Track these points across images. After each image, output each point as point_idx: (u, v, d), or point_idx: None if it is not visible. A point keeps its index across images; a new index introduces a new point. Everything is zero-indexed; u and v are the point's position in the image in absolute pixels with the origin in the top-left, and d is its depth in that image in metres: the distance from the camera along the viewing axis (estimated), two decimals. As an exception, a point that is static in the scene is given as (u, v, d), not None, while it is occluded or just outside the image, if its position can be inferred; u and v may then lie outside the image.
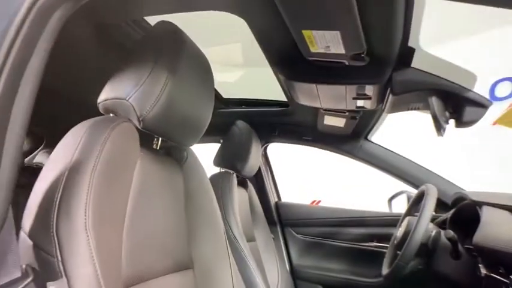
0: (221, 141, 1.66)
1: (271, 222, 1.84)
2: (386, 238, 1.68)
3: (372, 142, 1.71)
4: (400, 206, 1.85)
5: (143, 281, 0.67)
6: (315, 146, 1.82)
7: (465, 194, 1.32)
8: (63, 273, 0.47)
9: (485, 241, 0.97)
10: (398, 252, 1.27)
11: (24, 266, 0.49)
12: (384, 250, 1.63)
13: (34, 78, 0.55)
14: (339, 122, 1.51)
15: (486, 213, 1.10)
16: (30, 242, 0.51)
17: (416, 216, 1.30)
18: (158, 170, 0.79)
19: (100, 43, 0.96)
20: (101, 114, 0.73)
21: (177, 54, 0.74)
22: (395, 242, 1.36)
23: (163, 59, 0.71)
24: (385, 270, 1.34)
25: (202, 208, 0.91)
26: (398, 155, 1.67)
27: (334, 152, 1.78)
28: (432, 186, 1.29)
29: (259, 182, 1.90)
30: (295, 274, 1.79)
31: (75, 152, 0.55)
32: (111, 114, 0.73)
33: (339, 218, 1.82)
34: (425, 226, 1.16)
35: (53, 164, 0.57)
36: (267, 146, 1.95)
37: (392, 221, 1.69)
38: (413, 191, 1.71)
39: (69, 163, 0.54)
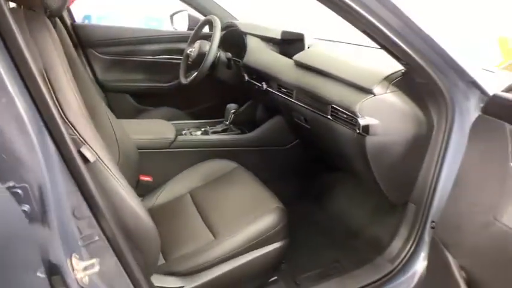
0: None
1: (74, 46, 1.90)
2: (175, 52, 2.17)
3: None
4: (181, 23, 2.30)
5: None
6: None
7: (235, 23, 1.90)
8: (84, 141, 0.73)
9: (249, 63, 1.66)
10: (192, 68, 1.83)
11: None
12: (174, 61, 2.15)
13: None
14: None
15: (249, 41, 1.76)
16: None
17: (203, 40, 1.83)
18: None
19: None
20: None
21: None
22: (190, 59, 1.88)
23: None
24: (183, 80, 1.90)
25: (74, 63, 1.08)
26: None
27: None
28: (217, 19, 1.78)
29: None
30: (104, 88, 2.09)
31: (39, 55, 0.69)
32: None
33: (137, 37, 2.10)
34: (215, 52, 1.72)
35: None
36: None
37: (180, 38, 2.16)
38: (194, 13, 2.16)
39: (41, 63, 0.69)
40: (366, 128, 1.00)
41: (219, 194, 1.32)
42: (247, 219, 1.14)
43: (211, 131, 1.67)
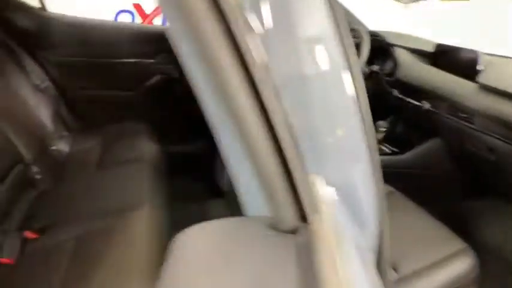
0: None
1: None
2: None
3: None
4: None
5: None
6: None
7: (379, 33, 1.79)
8: None
9: (405, 78, 1.55)
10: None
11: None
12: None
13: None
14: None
15: (399, 54, 1.64)
16: None
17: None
18: None
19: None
20: None
21: None
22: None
23: None
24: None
25: None
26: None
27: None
28: (366, 31, 1.68)
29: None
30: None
31: None
32: None
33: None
34: (362, 65, 1.64)
35: None
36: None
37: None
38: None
39: None
40: None
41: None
42: (432, 259, 1.06)
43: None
